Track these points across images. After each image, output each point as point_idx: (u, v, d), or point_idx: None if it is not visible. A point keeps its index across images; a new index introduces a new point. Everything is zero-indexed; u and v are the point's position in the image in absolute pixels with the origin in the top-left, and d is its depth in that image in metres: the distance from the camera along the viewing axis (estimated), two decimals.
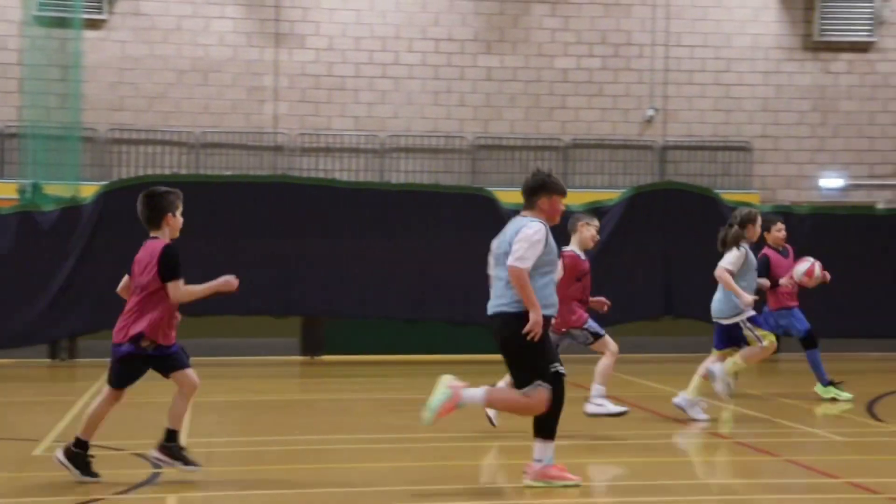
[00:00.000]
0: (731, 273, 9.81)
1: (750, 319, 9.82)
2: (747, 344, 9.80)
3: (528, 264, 6.76)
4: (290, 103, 22.39)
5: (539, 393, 6.80)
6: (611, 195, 17.28)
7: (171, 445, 7.02)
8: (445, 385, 6.85)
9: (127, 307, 7.03)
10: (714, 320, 10.06)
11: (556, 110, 23.62)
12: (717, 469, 7.94)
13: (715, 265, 16.01)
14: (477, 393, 6.90)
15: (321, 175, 20.69)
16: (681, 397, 9.84)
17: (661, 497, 6.90)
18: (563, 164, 23.49)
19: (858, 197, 24.23)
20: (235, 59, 22.23)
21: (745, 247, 9.96)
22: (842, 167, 24.40)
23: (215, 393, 12.05)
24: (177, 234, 7.12)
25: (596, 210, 16.25)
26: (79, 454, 6.94)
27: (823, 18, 24.13)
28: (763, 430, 9.37)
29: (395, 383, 13.45)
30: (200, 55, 22.08)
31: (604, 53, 23.82)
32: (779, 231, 11.42)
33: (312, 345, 15.95)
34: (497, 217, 15.97)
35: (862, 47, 24.37)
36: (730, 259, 9.88)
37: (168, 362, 7.03)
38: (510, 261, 6.78)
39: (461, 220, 15.87)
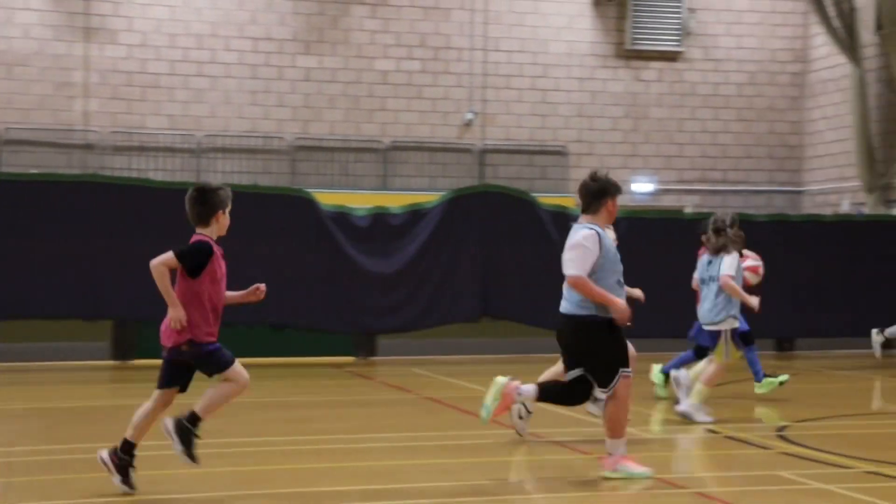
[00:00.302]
0: (733, 279, 9.74)
1: (734, 331, 9.79)
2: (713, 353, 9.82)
3: (582, 271, 7.14)
4: (102, 100, 21.65)
5: (621, 383, 7.19)
6: (430, 197, 17.34)
7: (187, 427, 6.76)
8: (641, 473, 7.18)
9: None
10: (703, 326, 10.00)
11: (376, 112, 23.60)
12: (531, 468, 8.01)
13: (531, 267, 16.38)
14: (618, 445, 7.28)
15: (134, 174, 20.05)
16: (684, 405, 9.85)
17: (480, 497, 6.91)
18: (382, 165, 23.49)
19: (668, 201, 25.06)
20: (42, 53, 21.36)
21: (735, 251, 9.92)
22: (652, 172, 25.19)
23: (17, 400, 11.52)
24: (223, 233, 6.85)
25: (415, 212, 16.34)
26: (123, 458, 6.76)
27: (635, 28, 24.86)
28: (578, 429, 9.52)
29: (206, 387, 13.09)
30: (3, 48, 21.12)
31: (423, 56, 23.94)
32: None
33: (123, 349, 15.44)
34: (317, 219, 15.83)
35: (670, 56, 25.22)
36: (730, 264, 9.79)
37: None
38: (567, 271, 7.20)
39: (280, 221, 15.64)
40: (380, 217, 16.09)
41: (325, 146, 23.12)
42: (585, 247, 7.20)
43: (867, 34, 23.51)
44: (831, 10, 23.07)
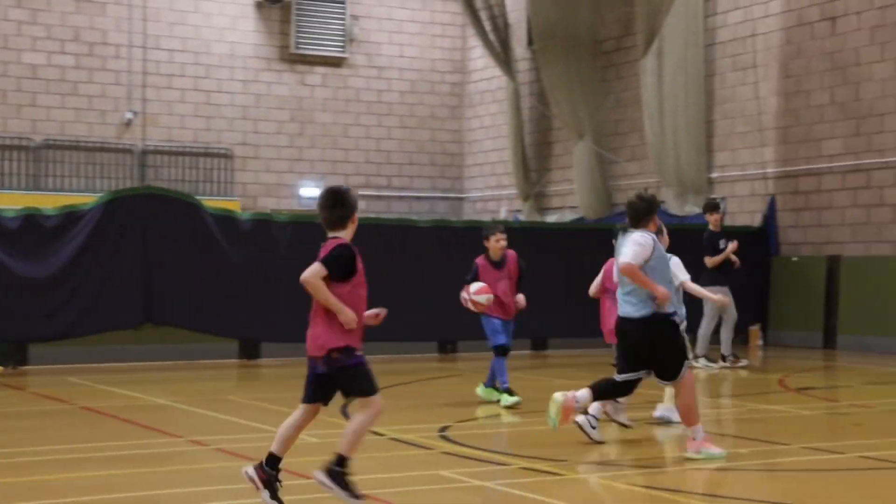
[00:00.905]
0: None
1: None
2: None
3: (636, 261, 8.05)
4: None
5: (689, 374, 8.20)
6: (87, 199, 16.57)
7: (338, 471, 6.39)
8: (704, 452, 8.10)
9: (319, 315, 6.41)
10: None
11: (26, 108, 22.32)
12: (194, 477, 7.78)
13: (196, 272, 15.99)
14: (699, 430, 8.19)
15: None
16: (660, 410, 9.87)
17: None
18: (33, 165, 22.25)
19: None
20: None
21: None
22: (319, 177, 25.34)
23: None
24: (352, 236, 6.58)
25: (71, 214, 15.52)
26: (270, 473, 6.40)
27: (299, 32, 24.92)
28: (242, 436, 9.36)
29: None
30: None
31: (77, 51, 22.89)
32: (497, 241, 11.17)
33: None
34: None
35: (335, 62, 25.48)
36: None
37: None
38: (621, 259, 8.11)
39: None
40: (31, 218, 15.19)
41: None
42: (641, 244, 8.15)
43: (520, 49, 24.73)
44: (487, 25, 24.08)
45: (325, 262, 6.40)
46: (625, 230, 8.42)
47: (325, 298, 6.37)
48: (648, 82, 21.12)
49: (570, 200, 23.71)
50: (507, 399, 10.96)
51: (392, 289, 17.14)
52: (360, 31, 25.65)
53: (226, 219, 16.45)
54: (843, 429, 10.29)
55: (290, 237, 16.66)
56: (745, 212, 20.51)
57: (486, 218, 24.79)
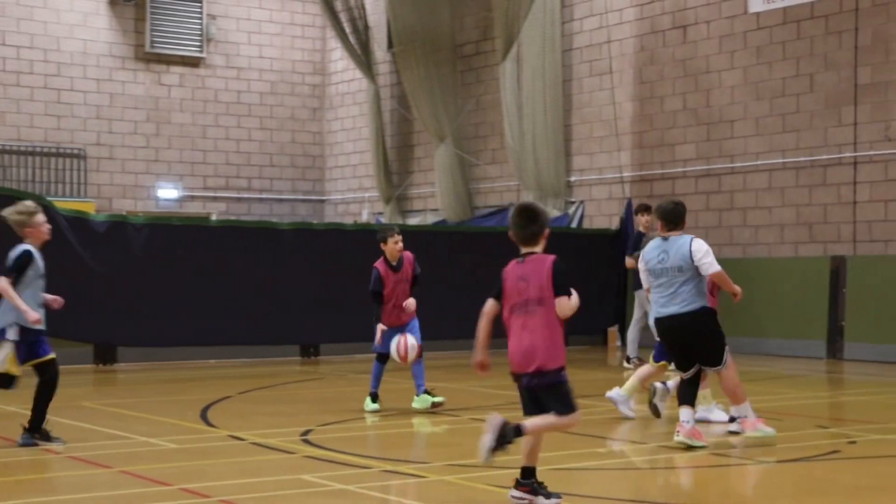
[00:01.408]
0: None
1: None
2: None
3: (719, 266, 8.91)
4: None
5: (730, 362, 8.94)
6: None
7: (530, 482, 6.54)
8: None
9: (535, 330, 6.43)
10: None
11: None
12: (43, 486, 7.52)
13: (48, 273, 15.47)
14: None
15: None
16: (615, 392, 10.40)
17: None
18: None
19: (194, 208, 24.86)
20: None
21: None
22: (177, 178, 24.88)
23: None
24: None
25: None
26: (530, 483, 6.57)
27: (154, 31, 24.42)
28: (96, 443, 9.10)
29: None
30: None
31: None
32: (395, 243, 10.62)
33: None
34: None
35: (192, 62, 25.06)
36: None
37: None
38: (712, 270, 8.87)
39: None
40: None
41: None
42: (710, 250, 8.93)
43: (381, 52, 24.73)
44: (347, 27, 24.01)
45: (566, 291, 6.48)
46: (652, 236, 9.21)
47: (572, 311, 6.50)
48: (508, 86, 21.36)
49: (432, 203, 23.80)
50: (369, 404, 10.89)
51: (253, 292, 16.95)
52: (218, 30, 25.28)
53: (79, 221, 16.00)
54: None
55: (147, 240, 16.30)
56: (602, 215, 20.90)
57: (348, 220, 24.69)
